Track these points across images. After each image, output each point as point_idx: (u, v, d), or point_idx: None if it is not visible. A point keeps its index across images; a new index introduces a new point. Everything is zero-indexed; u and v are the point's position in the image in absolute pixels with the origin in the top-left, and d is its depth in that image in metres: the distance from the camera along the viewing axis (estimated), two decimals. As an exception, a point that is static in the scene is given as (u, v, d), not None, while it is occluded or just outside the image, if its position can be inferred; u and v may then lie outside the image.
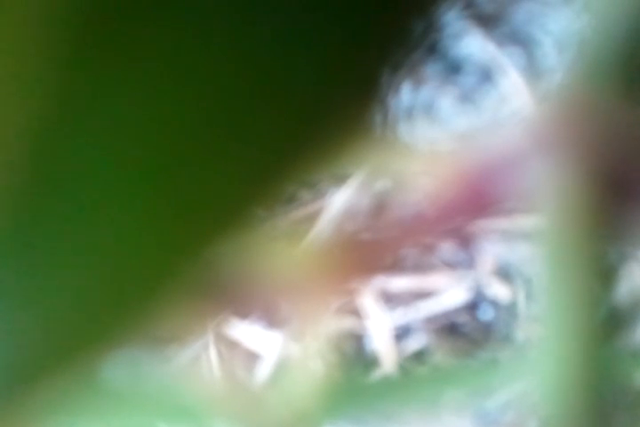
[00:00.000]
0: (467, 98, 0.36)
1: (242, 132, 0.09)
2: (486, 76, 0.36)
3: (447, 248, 0.36)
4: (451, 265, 0.36)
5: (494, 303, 0.36)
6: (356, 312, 0.35)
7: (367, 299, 0.35)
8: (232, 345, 0.35)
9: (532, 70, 0.36)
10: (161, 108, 0.08)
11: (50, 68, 0.08)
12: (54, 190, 0.08)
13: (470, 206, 0.13)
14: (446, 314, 0.36)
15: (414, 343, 0.36)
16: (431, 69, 0.36)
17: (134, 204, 0.09)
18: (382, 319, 0.35)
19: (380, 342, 0.35)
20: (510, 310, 0.35)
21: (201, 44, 0.08)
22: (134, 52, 0.08)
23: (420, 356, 0.36)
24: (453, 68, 0.37)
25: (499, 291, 0.36)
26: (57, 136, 0.08)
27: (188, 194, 0.09)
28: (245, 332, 0.35)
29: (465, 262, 0.36)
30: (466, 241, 0.35)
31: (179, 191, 0.09)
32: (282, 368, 0.34)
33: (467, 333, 0.36)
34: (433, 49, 0.36)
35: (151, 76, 0.08)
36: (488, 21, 0.36)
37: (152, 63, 0.08)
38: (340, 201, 0.35)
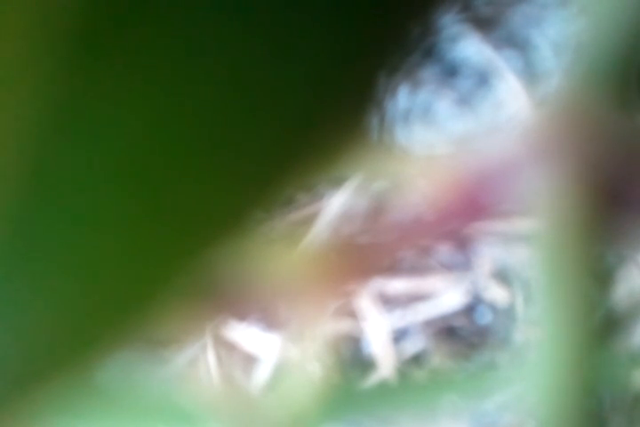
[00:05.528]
0: (463, 101, 0.36)
1: (240, 135, 0.09)
2: (483, 79, 0.36)
3: (444, 251, 0.36)
4: (448, 268, 0.36)
5: (492, 306, 0.36)
6: (353, 315, 0.35)
7: (365, 301, 0.35)
8: (230, 347, 0.35)
9: (529, 74, 0.36)
10: (159, 114, 0.08)
11: (50, 73, 0.08)
12: (52, 196, 0.08)
13: (467, 209, 0.13)
14: (444, 317, 0.36)
15: (412, 346, 0.36)
16: (428, 73, 0.36)
17: (132, 207, 0.09)
18: (380, 322, 0.35)
19: (378, 344, 0.35)
20: (508, 313, 0.35)
21: (198, 51, 0.08)
22: (133, 59, 0.08)
23: (417, 359, 0.36)
24: (450, 72, 0.37)
25: (496, 294, 0.36)
26: (56, 142, 0.08)
27: (186, 197, 0.09)
28: (243, 334, 0.35)
29: (462, 265, 0.36)
30: (463, 244, 0.35)
31: (177, 194, 0.09)
32: (280, 371, 0.34)
33: (464, 336, 0.36)
34: (430, 52, 0.36)
35: (150, 83, 0.08)
36: (485, 25, 0.36)
37: (150, 72, 0.08)
38: (337, 204, 0.35)
